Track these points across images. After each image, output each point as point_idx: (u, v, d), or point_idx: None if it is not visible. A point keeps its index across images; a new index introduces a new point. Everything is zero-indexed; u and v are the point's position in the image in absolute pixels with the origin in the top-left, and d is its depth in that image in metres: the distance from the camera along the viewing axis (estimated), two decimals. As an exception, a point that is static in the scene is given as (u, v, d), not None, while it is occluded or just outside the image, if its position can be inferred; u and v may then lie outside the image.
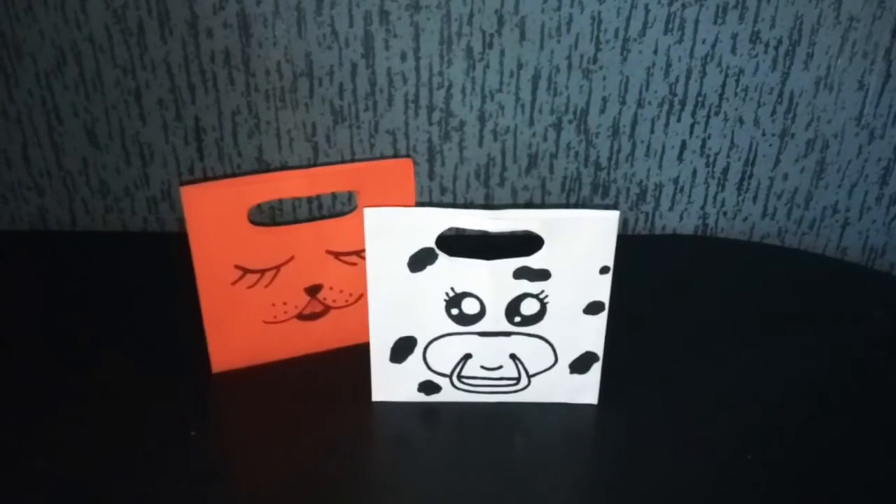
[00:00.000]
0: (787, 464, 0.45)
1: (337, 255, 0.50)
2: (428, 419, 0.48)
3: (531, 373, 0.48)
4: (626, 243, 0.46)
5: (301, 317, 0.51)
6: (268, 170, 0.64)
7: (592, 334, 0.46)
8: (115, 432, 0.46)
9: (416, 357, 0.47)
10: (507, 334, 0.46)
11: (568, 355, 0.47)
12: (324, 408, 0.48)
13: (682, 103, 0.63)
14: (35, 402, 0.48)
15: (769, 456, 0.45)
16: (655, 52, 0.61)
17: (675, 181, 0.67)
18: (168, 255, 0.49)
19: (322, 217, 0.60)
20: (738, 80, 0.62)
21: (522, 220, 0.43)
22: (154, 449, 0.45)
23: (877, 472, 0.45)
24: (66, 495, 0.42)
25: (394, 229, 0.44)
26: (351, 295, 0.51)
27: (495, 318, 0.46)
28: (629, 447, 0.46)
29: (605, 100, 0.63)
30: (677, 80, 0.62)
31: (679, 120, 0.64)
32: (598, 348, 0.47)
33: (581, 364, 0.47)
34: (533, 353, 0.47)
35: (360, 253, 0.49)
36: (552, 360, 0.47)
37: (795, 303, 0.59)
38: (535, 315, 0.46)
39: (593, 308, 0.46)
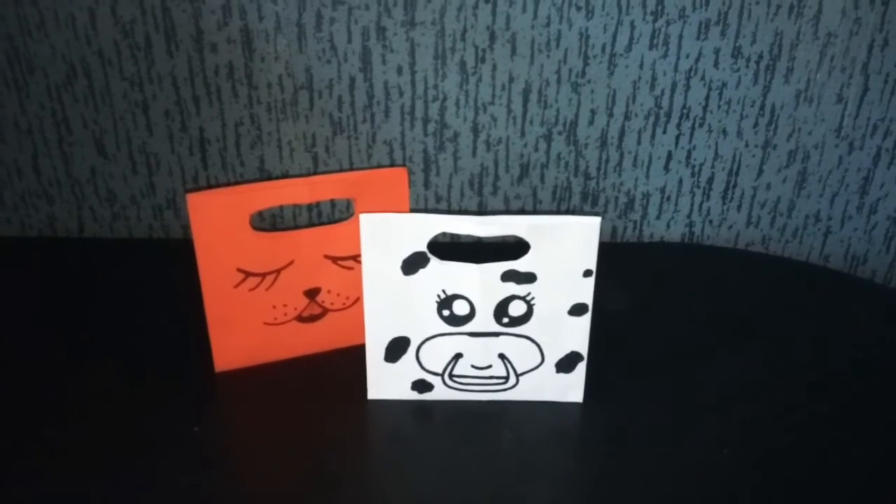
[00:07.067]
0: (769, 464, 0.46)
1: (335, 259, 0.52)
2: (421, 416, 0.50)
3: (519, 372, 0.49)
4: (615, 251, 0.46)
5: (300, 319, 0.52)
6: (269, 179, 0.67)
7: (577, 335, 0.48)
8: (122, 428, 0.48)
9: (409, 357, 0.49)
10: (496, 335, 0.48)
11: (554, 355, 0.49)
12: (321, 405, 0.50)
13: (668, 115, 0.65)
14: (44, 403, 0.49)
15: (751, 456, 0.47)
16: (641, 66, 0.63)
17: (662, 190, 0.69)
18: (172, 261, 0.51)
19: (321, 224, 0.62)
20: (721, 94, 0.64)
21: (509, 225, 0.45)
22: (159, 444, 0.47)
23: (859, 473, 0.46)
24: (74, 492, 0.44)
25: (388, 234, 0.46)
26: (348, 298, 0.53)
27: (484, 319, 0.48)
28: (613, 443, 0.48)
29: (593, 112, 0.65)
30: (663, 93, 0.64)
31: (665, 132, 0.66)
32: (583, 348, 0.49)
33: (566, 363, 0.49)
34: (520, 353, 0.49)
35: (356, 258, 0.51)
36: (539, 359, 0.49)
37: (779, 309, 0.61)
38: (522, 316, 0.48)
39: (577, 310, 0.48)
